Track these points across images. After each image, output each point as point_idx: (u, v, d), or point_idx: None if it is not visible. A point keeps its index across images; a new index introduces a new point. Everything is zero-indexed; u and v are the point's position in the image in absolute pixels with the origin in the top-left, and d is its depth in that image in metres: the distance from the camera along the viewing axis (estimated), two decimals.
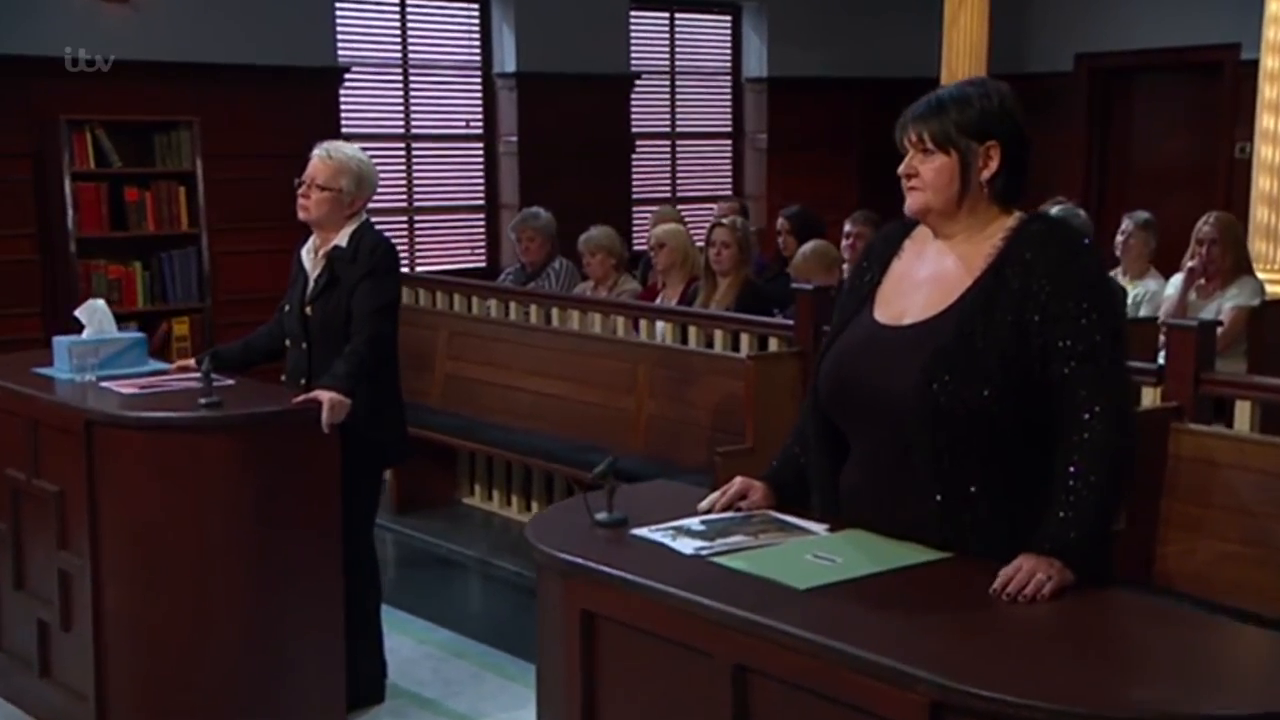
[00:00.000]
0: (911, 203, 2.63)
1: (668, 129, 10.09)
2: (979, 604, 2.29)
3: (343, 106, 8.42)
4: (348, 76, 8.42)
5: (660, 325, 5.92)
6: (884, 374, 2.56)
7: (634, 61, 9.65)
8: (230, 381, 4.21)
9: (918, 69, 9.36)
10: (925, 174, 2.59)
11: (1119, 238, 6.74)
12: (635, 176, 9.76)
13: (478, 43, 9.07)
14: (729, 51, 10.34)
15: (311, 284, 4.22)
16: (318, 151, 4.22)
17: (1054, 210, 6.16)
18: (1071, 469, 2.41)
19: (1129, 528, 3.93)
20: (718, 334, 5.57)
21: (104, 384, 4.16)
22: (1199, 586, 3.82)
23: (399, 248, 8.95)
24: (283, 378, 4.33)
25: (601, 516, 2.71)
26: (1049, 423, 2.46)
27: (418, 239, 9.04)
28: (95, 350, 4.27)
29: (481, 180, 9.20)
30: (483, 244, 9.20)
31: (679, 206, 9.93)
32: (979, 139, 2.57)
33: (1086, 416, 2.42)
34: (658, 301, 6.39)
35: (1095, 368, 2.43)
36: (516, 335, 6.21)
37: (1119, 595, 2.41)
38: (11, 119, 7.27)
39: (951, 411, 2.45)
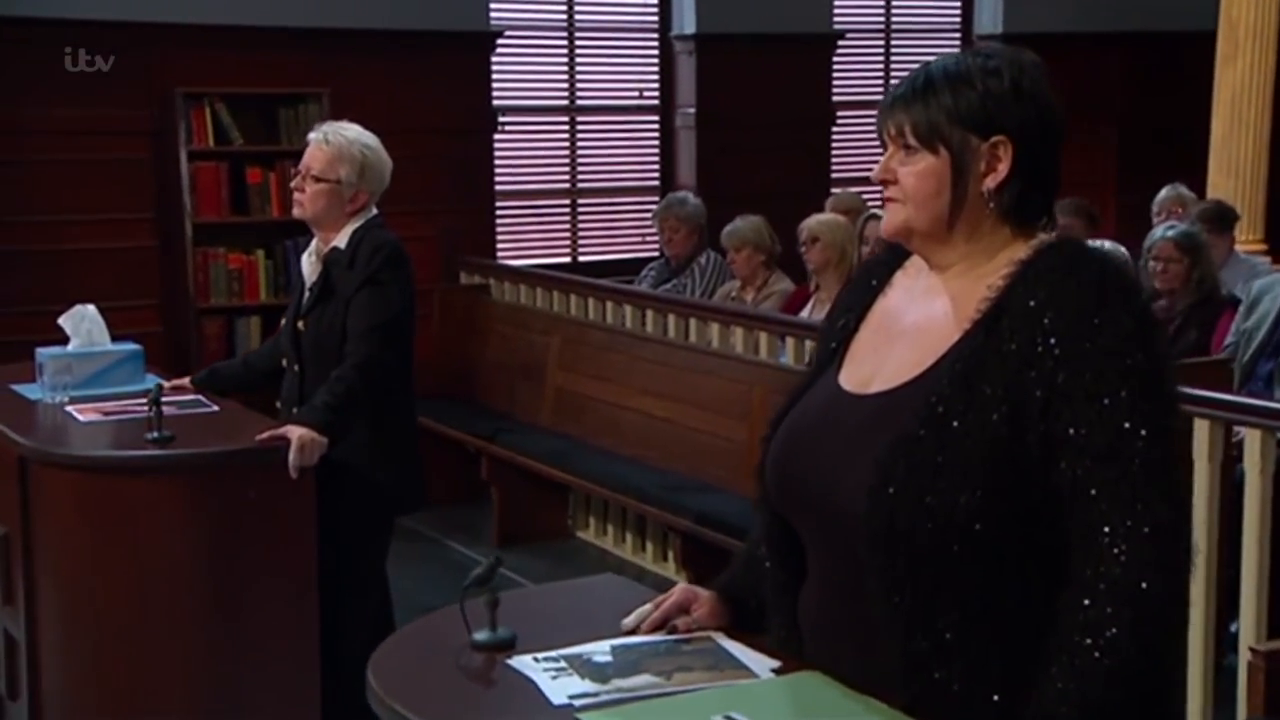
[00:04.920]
0: (888, 220, 2.00)
1: (879, 97, 9.35)
2: None
3: (495, 76, 8.03)
4: (501, 42, 8.03)
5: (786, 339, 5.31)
6: (833, 465, 1.95)
7: (837, 18, 8.96)
8: (214, 408, 3.86)
9: (1191, 21, 8.48)
10: (905, 180, 1.95)
11: None
12: (836, 153, 9.06)
13: (654, 0, 8.58)
14: (957, 4, 9.55)
15: (307, 294, 3.82)
16: (314, 135, 3.82)
17: None
18: (1080, 617, 1.75)
19: None
20: None
21: (70, 407, 3.85)
22: None
23: (560, 233, 8.89)
24: (278, 404, 3.95)
25: (481, 636, 2.20)
26: (1058, 545, 1.82)
27: (581, 224, 8.63)
28: (69, 366, 3.95)
29: (656, 158, 8.71)
30: (655, 231, 8.71)
31: None
32: (981, 133, 1.92)
33: (1106, 540, 1.75)
34: (807, 309, 5.77)
35: (1122, 469, 1.76)
36: (628, 345, 5.72)
37: None
38: (129, 93, 7.14)
39: (914, 527, 1.82)
